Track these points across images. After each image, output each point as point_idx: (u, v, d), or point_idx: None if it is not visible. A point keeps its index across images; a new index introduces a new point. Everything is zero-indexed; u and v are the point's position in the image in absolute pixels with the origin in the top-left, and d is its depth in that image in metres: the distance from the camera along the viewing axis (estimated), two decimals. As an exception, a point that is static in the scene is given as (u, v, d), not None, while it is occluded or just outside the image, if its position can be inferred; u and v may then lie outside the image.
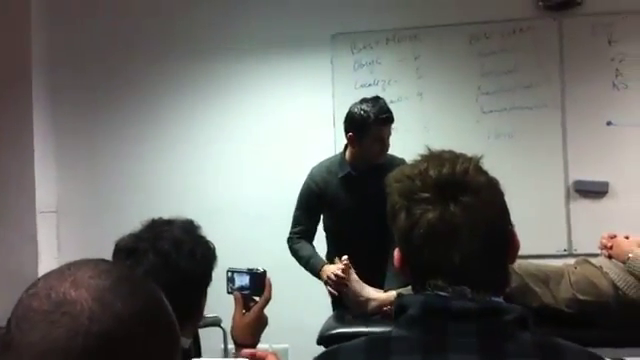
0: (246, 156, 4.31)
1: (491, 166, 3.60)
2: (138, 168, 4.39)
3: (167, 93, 4.38)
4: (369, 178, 2.88)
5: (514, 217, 3.66)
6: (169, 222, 1.68)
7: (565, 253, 3.86)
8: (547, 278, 2.71)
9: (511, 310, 1.15)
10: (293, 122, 4.27)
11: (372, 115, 2.96)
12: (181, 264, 1.58)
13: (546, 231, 3.91)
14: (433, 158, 1.24)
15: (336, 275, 2.85)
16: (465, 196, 1.17)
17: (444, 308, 1.14)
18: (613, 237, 2.74)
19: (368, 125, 2.97)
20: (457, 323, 1.13)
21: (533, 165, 3.98)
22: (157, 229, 1.65)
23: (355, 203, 3.08)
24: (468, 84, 4.02)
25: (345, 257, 2.87)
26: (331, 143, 4.17)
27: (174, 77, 4.36)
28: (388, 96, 4.07)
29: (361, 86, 4.16)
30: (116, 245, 1.63)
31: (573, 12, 3.95)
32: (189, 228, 1.69)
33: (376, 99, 3.06)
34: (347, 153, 3.14)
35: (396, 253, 1.24)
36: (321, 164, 3.25)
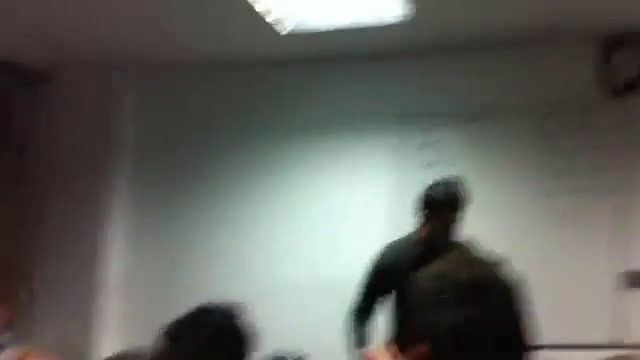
0: (312, 236, 4.40)
1: (551, 248, 3.56)
2: (203, 246, 4.57)
3: (232, 175, 4.58)
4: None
5: (561, 303, 3.57)
6: (213, 309, 1.83)
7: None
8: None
9: None
10: (359, 202, 4.35)
11: (443, 198, 3.09)
12: (220, 350, 1.72)
13: (594, 320, 3.80)
14: (459, 260, 1.31)
15: None
16: (490, 299, 1.23)
17: None
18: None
19: (439, 207, 3.09)
20: None
21: (589, 251, 3.90)
22: (200, 316, 1.80)
23: None
24: (531, 165, 4.02)
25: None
26: (397, 223, 4.23)
27: (240, 160, 4.57)
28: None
29: (427, 165, 4.22)
30: (162, 331, 1.78)
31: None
32: (231, 314, 1.83)
33: (449, 181, 3.19)
34: (419, 232, 3.22)
35: (419, 349, 1.30)
36: (391, 244, 3.35)
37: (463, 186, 3.16)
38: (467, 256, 1.36)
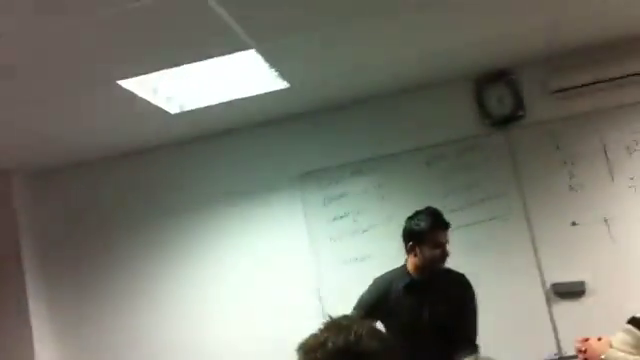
0: (231, 301, 4.43)
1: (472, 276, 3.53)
2: (126, 329, 4.52)
3: (151, 251, 4.58)
4: (430, 286, 3.17)
5: (498, 329, 3.71)
6: None
7: (556, 357, 3.89)
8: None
9: None
10: (271, 263, 4.41)
11: (428, 223, 3.16)
12: None
13: (534, 338, 3.95)
14: (332, 327, 1.37)
15: None
16: None
17: None
18: (586, 340, 2.79)
19: (426, 233, 3.14)
20: None
21: (509, 273, 4.07)
22: None
23: (417, 310, 3.18)
24: (432, 204, 4.16)
25: None
26: (312, 279, 4.32)
27: (152, 241, 4.57)
28: (360, 226, 4.29)
29: (333, 219, 4.35)
30: None
31: (518, 124, 4.20)
32: None
33: (428, 209, 3.26)
34: (409, 264, 3.27)
35: None
36: (383, 275, 3.36)
37: (439, 210, 3.24)
38: (337, 324, 1.42)
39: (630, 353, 2.62)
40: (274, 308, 4.32)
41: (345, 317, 1.42)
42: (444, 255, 3.16)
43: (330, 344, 1.33)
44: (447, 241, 3.17)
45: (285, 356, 4.15)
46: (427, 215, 3.19)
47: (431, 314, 3.12)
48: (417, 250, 3.17)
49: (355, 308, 3.28)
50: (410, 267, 3.24)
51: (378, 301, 3.23)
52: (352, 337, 1.33)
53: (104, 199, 4.68)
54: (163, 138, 4.50)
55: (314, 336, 1.40)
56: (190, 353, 4.38)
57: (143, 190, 4.64)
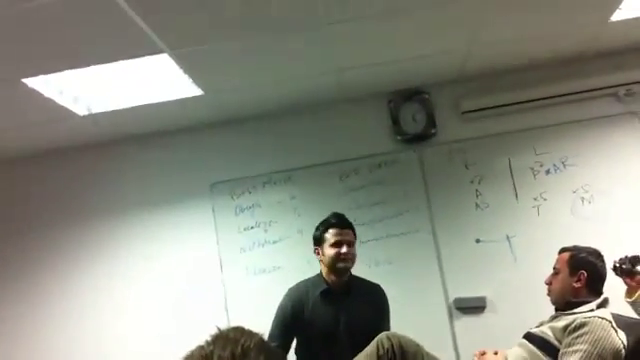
0: (138, 307, 4.34)
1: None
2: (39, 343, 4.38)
3: (59, 252, 4.46)
4: (346, 295, 3.18)
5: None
6: None
7: (454, 372, 3.97)
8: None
9: None
10: (180, 271, 4.34)
11: (325, 224, 3.20)
12: None
13: (434, 352, 4.01)
14: (219, 339, 1.35)
15: None
16: None
17: None
18: (483, 354, 2.88)
19: (323, 233, 3.18)
20: None
21: (414, 287, 4.14)
22: None
23: (334, 317, 3.16)
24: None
25: None
26: (220, 287, 4.26)
27: (68, 242, 4.46)
28: (270, 237, 4.28)
29: (244, 229, 4.32)
30: None
31: (429, 142, 4.30)
32: None
33: (333, 213, 3.26)
34: (322, 271, 3.27)
35: None
36: (298, 284, 3.32)
37: (342, 214, 3.26)
38: (224, 336, 1.40)
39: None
40: (181, 316, 4.25)
41: (234, 329, 1.39)
42: (346, 254, 3.15)
43: (216, 358, 1.30)
44: (349, 242, 3.18)
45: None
46: (326, 218, 3.25)
47: (348, 322, 3.14)
48: (320, 253, 3.22)
49: (274, 321, 3.23)
50: (324, 273, 3.26)
51: (294, 312, 3.20)
52: (239, 350, 1.30)
53: (15, 199, 4.53)
54: (75, 139, 4.37)
55: (200, 348, 1.36)
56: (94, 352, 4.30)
57: (55, 191, 4.50)
